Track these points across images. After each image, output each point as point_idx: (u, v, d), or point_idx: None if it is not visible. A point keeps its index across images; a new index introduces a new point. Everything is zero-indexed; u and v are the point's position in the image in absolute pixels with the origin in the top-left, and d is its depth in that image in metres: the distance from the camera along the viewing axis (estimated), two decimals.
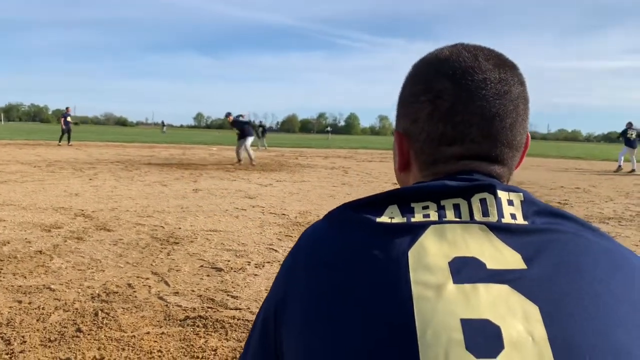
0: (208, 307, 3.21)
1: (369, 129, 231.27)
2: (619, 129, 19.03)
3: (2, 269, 3.81)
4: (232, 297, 3.43)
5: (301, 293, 0.58)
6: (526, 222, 0.57)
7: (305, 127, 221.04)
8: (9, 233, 4.97)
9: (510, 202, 0.59)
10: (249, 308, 3.23)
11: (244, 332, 2.86)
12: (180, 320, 2.98)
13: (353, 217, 0.60)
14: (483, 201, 0.58)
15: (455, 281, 0.51)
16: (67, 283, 3.56)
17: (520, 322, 0.48)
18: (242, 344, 2.72)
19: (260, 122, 29.72)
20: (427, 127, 0.64)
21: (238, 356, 2.59)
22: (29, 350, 2.55)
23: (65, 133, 23.32)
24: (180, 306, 3.21)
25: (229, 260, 4.31)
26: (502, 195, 0.59)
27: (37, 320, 2.91)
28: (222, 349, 2.65)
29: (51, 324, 2.87)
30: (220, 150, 23.43)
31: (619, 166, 17.92)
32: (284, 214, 6.65)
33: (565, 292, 0.51)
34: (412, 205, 0.59)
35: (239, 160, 15.09)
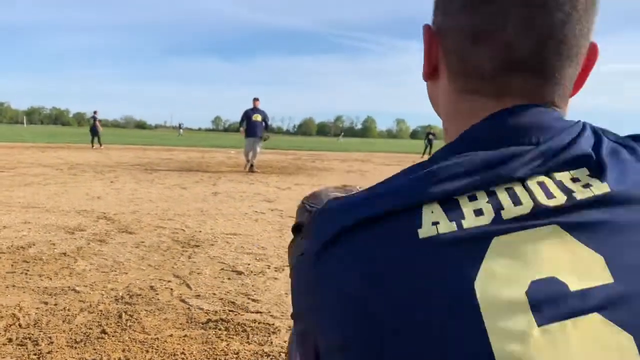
0: (229, 310, 3.24)
1: (386, 132, 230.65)
2: (632, 131, 18.74)
3: (28, 270, 3.90)
4: (253, 300, 3.46)
5: (334, 319, 0.47)
6: (606, 187, 0.45)
7: (322, 130, 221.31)
8: (34, 235, 5.07)
9: (576, 179, 0.46)
10: (269, 312, 3.26)
11: (265, 336, 2.88)
12: (203, 323, 3.02)
13: (386, 222, 0.47)
14: (541, 184, 0.46)
15: (540, 322, 0.40)
16: (92, 285, 3.62)
17: None
18: (264, 347, 2.75)
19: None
20: (458, 19, 0.52)
21: None
22: (56, 351, 2.60)
23: (96, 135, 23.75)
24: (202, 309, 3.25)
25: (249, 264, 4.35)
26: (562, 176, 0.47)
27: (63, 322, 2.97)
28: (244, 353, 2.67)
29: (77, 325, 2.92)
30: (239, 154, 23.58)
31: None
32: None
33: None
34: (455, 196, 0.46)
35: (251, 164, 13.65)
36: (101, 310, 3.15)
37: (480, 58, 0.51)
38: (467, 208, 0.45)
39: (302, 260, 0.53)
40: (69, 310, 3.14)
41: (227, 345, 2.75)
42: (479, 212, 0.45)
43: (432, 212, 0.45)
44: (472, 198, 0.46)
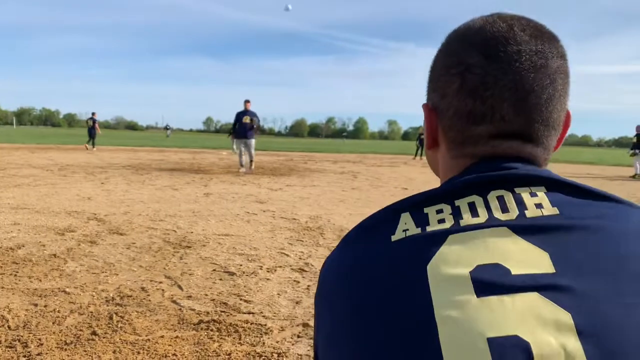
0: (221, 311, 3.23)
1: (378, 133, 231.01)
2: (630, 134, 18.74)
3: (18, 272, 3.86)
4: (245, 301, 3.44)
5: (324, 323, 0.59)
6: (556, 211, 0.53)
7: (314, 131, 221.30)
8: (24, 236, 5.02)
9: (533, 194, 0.55)
10: (261, 312, 3.25)
11: (257, 337, 2.87)
12: (194, 324, 3.00)
13: (368, 237, 0.59)
14: (500, 198, 0.55)
15: (479, 294, 0.47)
16: (82, 286, 3.59)
17: (551, 334, 0.44)
18: (256, 348, 2.73)
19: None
20: (456, 102, 0.60)
21: None
22: (46, 353, 2.57)
23: (92, 137, 23.69)
24: (194, 310, 3.23)
25: (241, 265, 4.33)
26: (522, 191, 0.55)
27: (53, 323, 2.94)
28: (236, 353, 2.66)
29: (67, 327, 2.90)
30: (230, 155, 23.51)
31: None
32: (294, 219, 6.67)
33: (600, 296, 0.46)
34: (425, 210, 0.57)
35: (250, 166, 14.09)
36: (92, 312, 3.12)
37: (479, 132, 0.60)
38: (432, 218, 0.56)
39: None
40: (58, 311, 3.11)
41: (219, 346, 2.73)
42: (441, 221, 0.55)
43: (405, 223, 0.56)
44: (439, 211, 0.56)
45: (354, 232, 0.62)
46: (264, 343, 2.79)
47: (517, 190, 0.55)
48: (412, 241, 0.54)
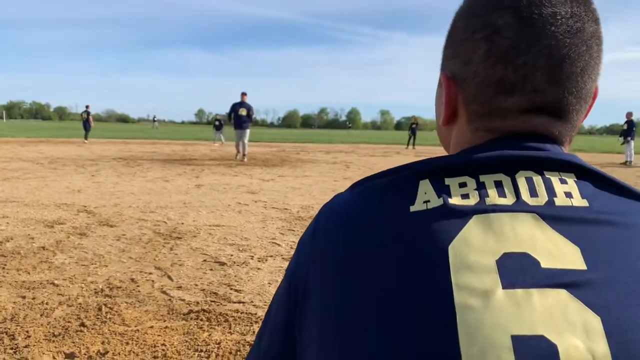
0: (211, 301, 3.21)
1: (370, 123, 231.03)
2: (621, 121, 18.79)
3: (5, 264, 3.82)
4: (236, 290, 3.43)
5: (327, 264, 0.53)
6: (585, 203, 0.50)
7: (307, 122, 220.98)
8: (12, 229, 4.98)
9: (563, 181, 0.51)
10: (252, 301, 3.24)
11: (247, 326, 2.86)
12: (184, 314, 2.99)
13: (385, 199, 0.53)
14: (529, 180, 0.51)
15: (505, 285, 0.44)
16: (71, 278, 3.56)
17: (579, 337, 0.41)
18: (246, 337, 2.72)
19: (217, 115, 28.48)
20: (483, 69, 0.55)
21: (242, 349, 2.59)
22: (34, 345, 2.55)
23: (87, 130, 23.68)
24: (184, 300, 3.22)
25: (232, 255, 4.31)
26: (552, 176, 0.52)
27: (41, 315, 2.91)
28: (226, 342, 2.65)
29: (55, 318, 2.87)
30: (222, 146, 23.42)
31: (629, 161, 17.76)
32: (286, 209, 6.65)
33: (632, 300, 0.44)
34: (447, 182, 0.52)
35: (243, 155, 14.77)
36: (80, 304, 3.10)
37: (508, 105, 0.55)
38: (455, 191, 0.51)
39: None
40: (47, 304, 3.09)
41: (209, 335, 2.72)
42: (465, 196, 0.51)
43: (425, 192, 0.52)
44: (462, 185, 0.52)
45: (367, 185, 0.57)
46: (254, 332, 2.78)
47: (546, 174, 0.52)
48: (433, 215, 0.49)
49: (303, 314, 0.54)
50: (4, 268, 3.74)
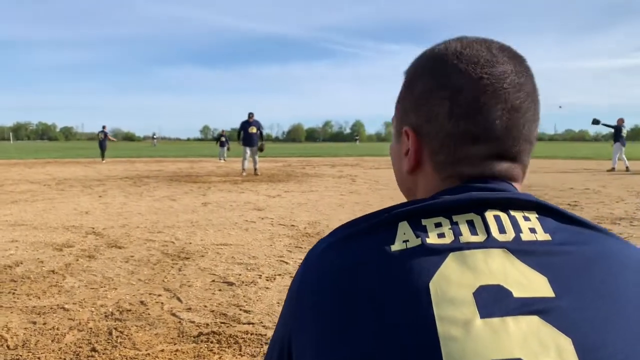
0: (221, 323, 3.21)
1: (375, 135, 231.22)
2: (628, 127, 18.76)
3: (16, 289, 3.84)
4: (245, 311, 3.43)
5: (309, 322, 0.56)
6: (548, 237, 0.55)
7: (311, 135, 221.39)
8: (22, 253, 5.01)
9: (526, 218, 0.56)
10: (261, 322, 3.24)
11: (257, 347, 2.86)
12: (194, 337, 2.99)
13: (365, 241, 0.57)
14: (497, 217, 0.56)
15: (483, 315, 0.48)
16: (81, 302, 3.58)
17: (553, 358, 0.45)
18: (256, 359, 2.72)
19: (222, 131, 28.62)
20: (447, 125, 0.60)
21: None
22: None
23: (103, 150, 24.75)
24: (194, 322, 3.22)
25: (240, 274, 4.32)
26: (516, 214, 0.57)
27: (52, 341, 2.92)
28: None
29: (66, 344, 2.88)
30: (228, 163, 23.50)
31: (613, 167, 17.74)
32: (293, 225, 6.66)
33: (598, 320, 0.48)
34: (424, 222, 0.56)
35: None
36: (91, 328, 3.11)
37: (472, 153, 0.61)
38: (431, 230, 0.55)
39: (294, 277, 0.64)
40: (57, 329, 3.10)
41: (220, 358, 2.72)
42: (441, 235, 0.55)
43: (404, 233, 0.56)
44: (438, 225, 0.56)
45: (347, 231, 0.60)
46: (264, 354, 2.78)
47: (511, 212, 0.57)
48: (412, 254, 0.53)
49: None
50: (14, 293, 3.76)
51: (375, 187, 12.06)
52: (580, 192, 10.73)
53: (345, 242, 0.59)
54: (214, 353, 2.78)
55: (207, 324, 3.19)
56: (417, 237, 0.55)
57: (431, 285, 0.50)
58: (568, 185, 12.09)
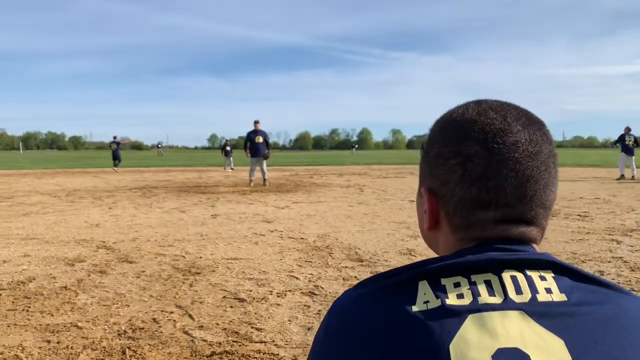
0: (233, 341, 3.22)
1: (382, 143, 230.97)
2: (635, 134, 18.69)
3: (29, 307, 3.88)
4: (257, 329, 3.44)
5: None
6: (564, 297, 0.57)
7: (318, 143, 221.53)
8: (34, 269, 5.05)
9: (543, 278, 0.58)
10: (273, 341, 3.24)
11: None
12: (207, 356, 3.00)
13: (387, 302, 0.59)
14: (514, 278, 0.58)
15: None
16: (94, 320, 3.60)
17: None
18: None
19: (226, 141, 28.66)
20: (459, 190, 0.63)
21: None
22: None
23: (117, 159, 25.32)
24: (206, 341, 3.23)
25: (250, 290, 4.33)
26: (532, 274, 0.59)
27: None
28: None
29: None
30: (236, 172, 23.57)
31: (622, 175, 17.60)
32: (302, 238, 6.67)
33: None
34: (443, 282, 0.59)
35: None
36: (104, 347, 3.13)
37: (484, 218, 0.63)
38: (450, 290, 0.58)
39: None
40: (71, 348, 3.12)
41: None
42: (460, 296, 0.57)
43: (425, 293, 0.58)
44: (457, 285, 0.58)
45: (371, 287, 0.62)
46: None
47: (528, 272, 0.59)
48: (433, 315, 0.55)
49: None
50: (28, 310, 3.79)
51: (383, 197, 12.05)
52: (591, 201, 10.67)
53: (368, 300, 0.61)
54: None
55: (220, 343, 3.20)
56: (437, 297, 0.57)
57: (451, 347, 0.52)
58: (578, 195, 12.02)
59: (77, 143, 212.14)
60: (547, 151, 0.64)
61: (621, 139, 17.80)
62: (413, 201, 10.91)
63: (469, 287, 0.57)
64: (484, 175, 0.61)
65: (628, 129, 17.89)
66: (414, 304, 0.57)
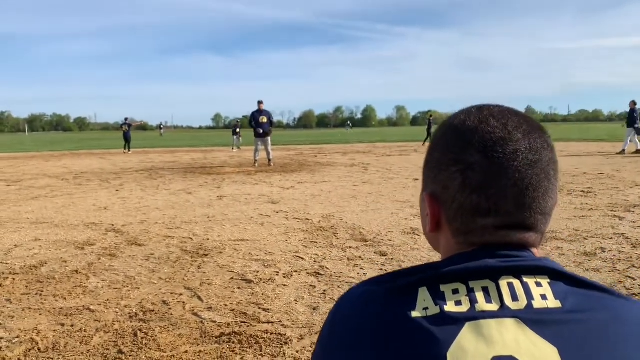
0: (241, 322, 3.32)
1: (386, 120, 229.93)
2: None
3: (42, 291, 3.98)
4: (264, 310, 3.54)
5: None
6: (559, 303, 0.59)
7: (323, 122, 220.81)
8: (46, 253, 5.16)
9: (539, 284, 0.60)
10: (280, 321, 3.34)
11: (277, 347, 2.96)
12: (216, 337, 3.10)
13: (389, 305, 0.62)
14: (510, 285, 0.60)
15: None
16: (105, 303, 3.70)
17: None
18: (277, 359, 2.82)
19: (237, 122, 29.08)
20: (460, 197, 0.64)
21: None
22: None
23: (128, 142, 25.59)
24: (215, 322, 3.33)
25: (257, 271, 4.42)
26: (529, 280, 0.61)
27: (81, 343, 3.05)
28: None
29: (94, 346, 3.01)
30: (241, 152, 23.63)
31: (623, 150, 17.52)
32: (307, 219, 6.75)
33: None
34: (442, 288, 0.61)
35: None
36: (117, 330, 3.23)
37: (484, 224, 0.65)
38: (449, 297, 0.60)
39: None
40: (85, 331, 3.22)
41: (242, 358, 2.83)
42: (458, 303, 0.59)
43: (424, 299, 0.61)
44: (455, 291, 0.61)
45: (375, 290, 0.65)
46: (284, 353, 2.88)
47: (524, 278, 0.61)
48: (432, 322, 0.58)
49: None
50: (41, 294, 3.90)
51: (387, 175, 12.10)
52: (594, 177, 10.68)
53: (370, 302, 0.64)
54: (236, 354, 2.88)
55: (228, 324, 3.29)
56: (436, 305, 0.59)
57: (449, 355, 0.55)
58: (581, 170, 12.03)
59: (82, 124, 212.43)
60: (547, 159, 0.65)
61: (631, 114, 17.71)
62: (417, 179, 10.97)
63: (467, 294, 0.60)
64: (484, 184, 0.63)
65: (634, 103, 17.79)
66: (414, 309, 0.60)
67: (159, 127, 74.85)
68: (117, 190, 10.06)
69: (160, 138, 55.18)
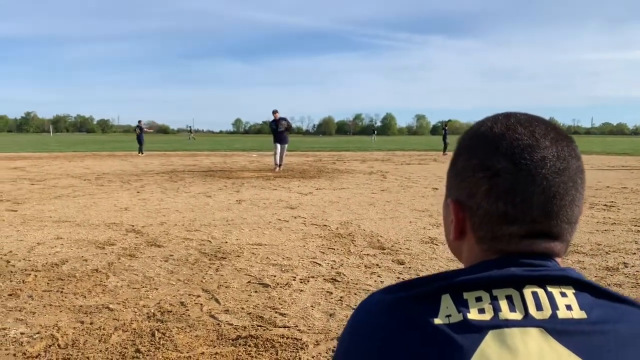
0: (258, 326, 3.33)
1: (406, 128, 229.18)
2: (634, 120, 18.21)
3: (63, 288, 4.05)
4: (280, 314, 3.54)
5: None
6: (584, 314, 0.58)
7: (342, 129, 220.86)
8: (67, 251, 5.24)
9: (563, 294, 0.59)
10: (296, 326, 3.34)
11: (293, 352, 2.96)
12: (232, 340, 3.11)
13: (411, 312, 0.61)
14: (535, 294, 0.59)
15: None
16: (124, 302, 3.75)
17: None
18: None
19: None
20: (486, 204, 0.64)
21: None
22: None
23: (142, 144, 25.68)
24: (232, 324, 3.35)
25: (275, 276, 4.44)
26: (553, 290, 0.60)
27: (100, 341, 3.09)
28: None
29: (112, 344, 3.04)
30: (260, 157, 23.77)
31: None
32: (325, 225, 6.76)
33: None
34: (465, 296, 0.60)
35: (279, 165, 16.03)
36: (134, 329, 3.27)
37: (510, 232, 0.64)
38: (472, 305, 0.59)
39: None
40: (104, 329, 3.27)
41: None
42: (481, 311, 0.59)
43: (447, 307, 0.60)
44: (478, 299, 0.60)
45: (397, 295, 0.64)
46: (300, 358, 2.88)
47: (549, 288, 0.60)
48: (455, 330, 0.57)
49: None
50: (62, 292, 3.96)
51: (406, 184, 12.05)
52: (618, 191, 10.51)
53: (392, 308, 0.63)
54: (252, 357, 2.89)
55: (245, 327, 3.31)
56: (459, 312, 0.58)
57: None
58: (605, 184, 11.84)
59: (104, 126, 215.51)
60: (575, 167, 0.64)
61: None
62: (436, 189, 10.90)
63: (490, 302, 0.59)
64: (511, 191, 0.62)
65: None
66: (436, 316, 0.59)
67: (188, 131, 70.96)
68: (137, 192, 10.19)
69: (188, 143, 55.41)
